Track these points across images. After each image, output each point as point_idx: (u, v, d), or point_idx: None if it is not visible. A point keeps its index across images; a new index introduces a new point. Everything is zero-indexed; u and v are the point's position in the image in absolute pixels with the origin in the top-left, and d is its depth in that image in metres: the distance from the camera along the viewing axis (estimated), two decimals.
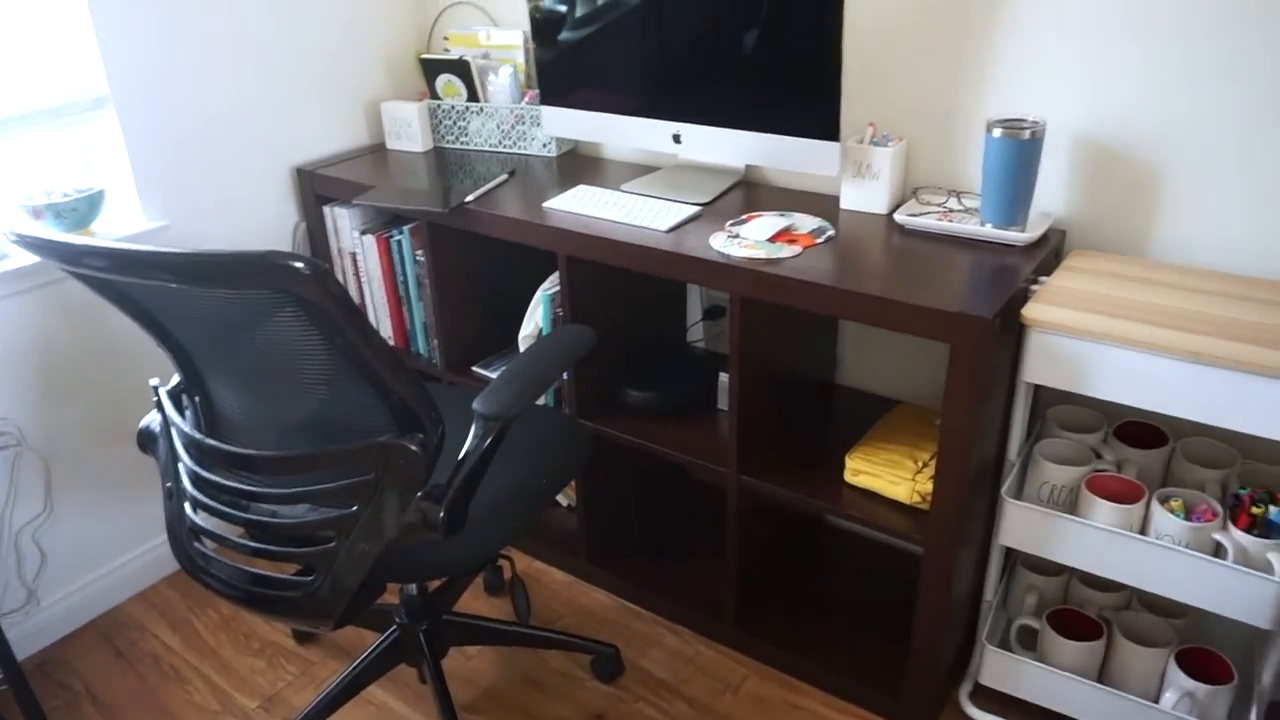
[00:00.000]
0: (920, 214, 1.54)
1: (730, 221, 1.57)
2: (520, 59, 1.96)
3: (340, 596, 1.20)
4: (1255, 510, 1.25)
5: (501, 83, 1.96)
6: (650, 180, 1.78)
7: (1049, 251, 1.45)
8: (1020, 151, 1.40)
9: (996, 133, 1.40)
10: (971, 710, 1.55)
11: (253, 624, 1.89)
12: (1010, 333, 1.32)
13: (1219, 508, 1.30)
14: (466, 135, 2.05)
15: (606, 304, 1.72)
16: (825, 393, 1.82)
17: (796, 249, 1.46)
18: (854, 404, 1.78)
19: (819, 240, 1.49)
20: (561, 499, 2.08)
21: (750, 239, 1.49)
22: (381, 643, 1.62)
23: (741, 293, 1.44)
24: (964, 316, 1.25)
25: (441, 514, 1.17)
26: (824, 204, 1.65)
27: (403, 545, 1.18)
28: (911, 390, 1.76)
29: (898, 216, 1.53)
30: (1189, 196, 1.41)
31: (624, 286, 1.75)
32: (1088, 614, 1.52)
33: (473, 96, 2.00)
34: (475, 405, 1.20)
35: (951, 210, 1.55)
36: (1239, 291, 1.31)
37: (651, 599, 1.87)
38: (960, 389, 1.29)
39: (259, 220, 1.99)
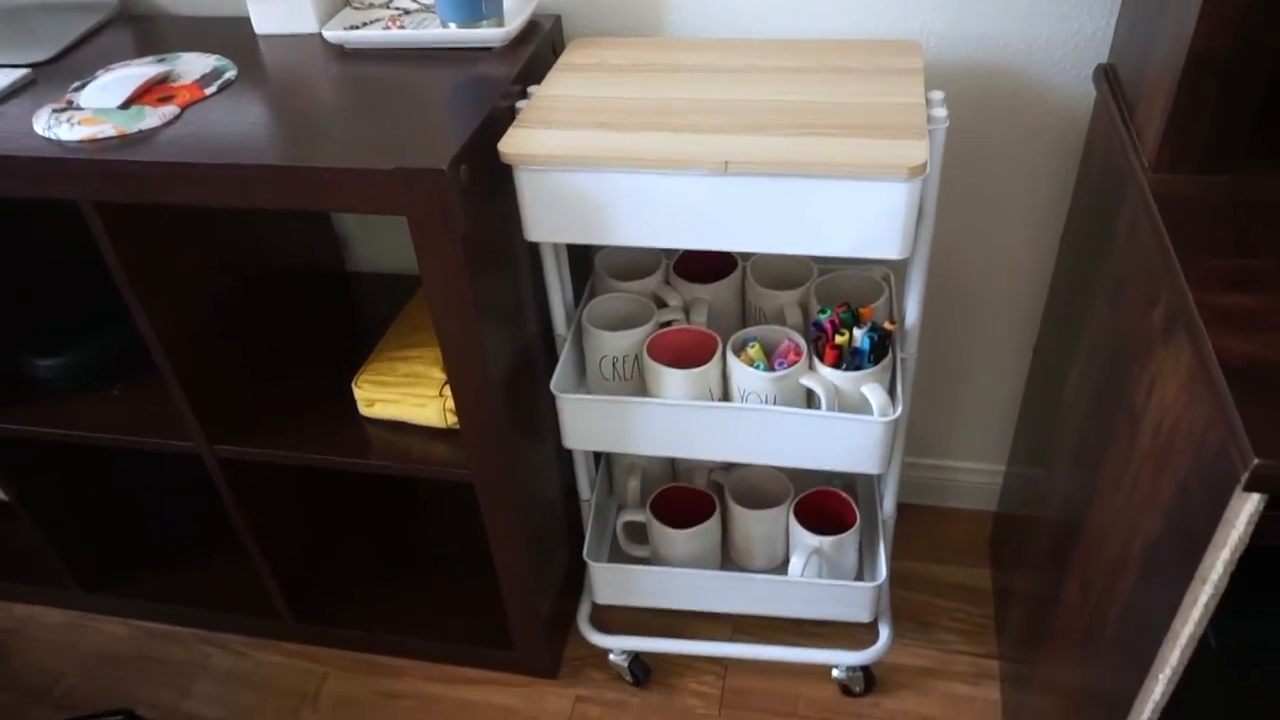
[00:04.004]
0: (360, 25, 1.06)
1: (74, 85, 1.00)
2: None
3: None
4: (840, 339, 0.99)
5: None
6: None
7: (541, 47, 1.04)
8: None
9: None
10: (594, 636, 1.27)
11: None
12: (496, 174, 0.91)
13: (802, 343, 1.03)
14: None
15: None
16: (334, 291, 1.36)
17: (169, 111, 0.94)
18: (375, 296, 1.34)
19: (211, 90, 0.98)
20: None
21: (91, 109, 0.94)
22: None
23: (94, 198, 0.91)
24: (405, 175, 0.82)
25: None
26: (238, 33, 1.12)
27: None
28: None
29: (328, 33, 1.05)
30: None
31: None
32: (697, 486, 1.25)
33: None
34: None
35: (404, 12, 1.09)
36: (769, 61, 0.99)
37: (186, 612, 1.39)
38: (440, 279, 0.89)
39: None
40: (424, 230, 0.85)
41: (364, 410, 1.12)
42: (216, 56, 1.05)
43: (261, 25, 1.10)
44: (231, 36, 1.11)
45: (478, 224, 0.90)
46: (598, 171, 0.86)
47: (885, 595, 1.25)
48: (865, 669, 1.23)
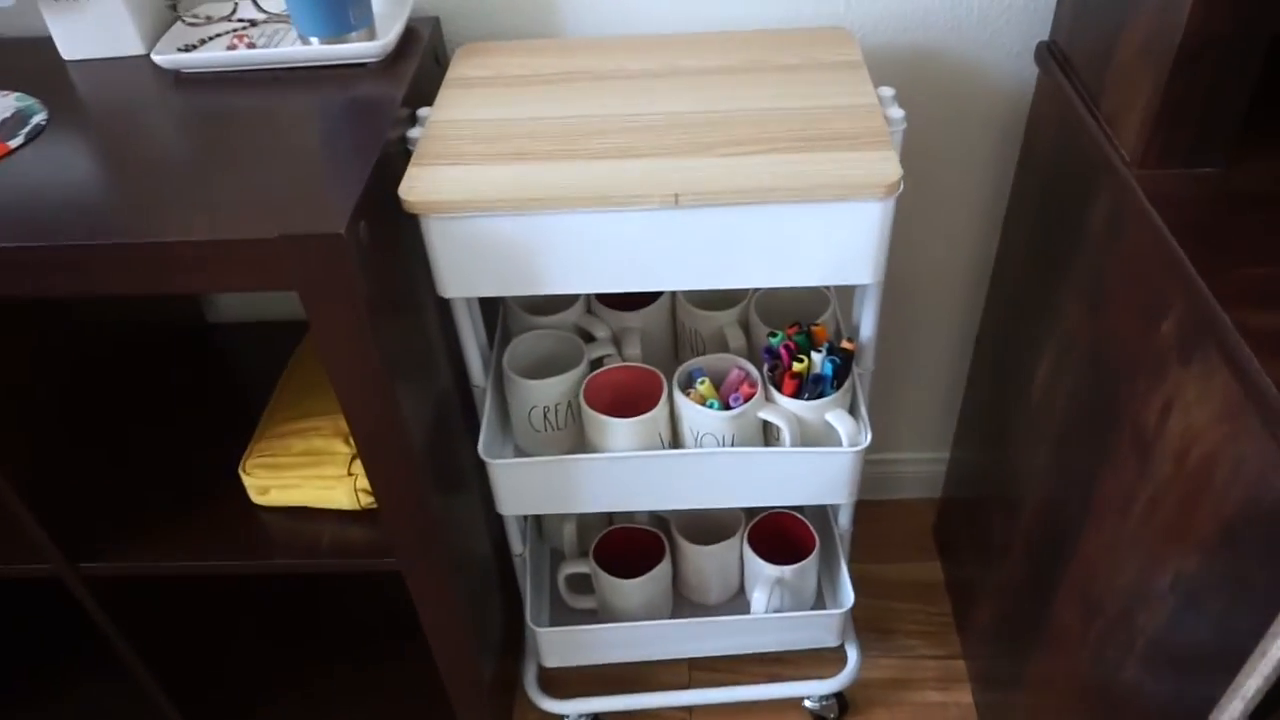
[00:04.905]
0: (196, 44, 0.88)
1: None
2: None
3: None
4: (799, 367, 0.89)
5: None
6: None
7: (424, 57, 0.89)
8: None
9: None
10: (545, 703, 1.15)
11: None
12: (396, 220, 0.77)
13: (753, 371, 0.93)
14: None
15: None
16: (197, 350, 1.17)
17: None
18: (248, 351, 1.16)
19: (15, 141, 0.79)
20: None
21: None
22: None
23: None
24: (294, 243, 0.67)
25: None
26: (40, 60, 0.92)
27: None
28: None
29: (159, 57, 0.86)
30: None
31: None
32: (640, 525, 1.15)
33: None
34: None
35: (249, 23, 0.91)
36: (691, 61, 0.87)
37: None
38: (341, 350, 0.74)
39: None
40: (319, 301, 0.70)
41: (256, 499, 0.95)
42: (17, 95, 0.85)
43: (70, 49, 0.90)
44: (31, 65, 0.91)
45: (379, 280, 0.75)
46: (522, 215, 0.73)
47: (849, 615, 1.19)
48: (838, 694, 1.17)
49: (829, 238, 0.73)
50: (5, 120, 0.81)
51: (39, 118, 0.82)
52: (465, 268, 0.76)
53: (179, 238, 0.67)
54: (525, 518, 1.14)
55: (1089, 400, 0.82)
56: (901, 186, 0.72)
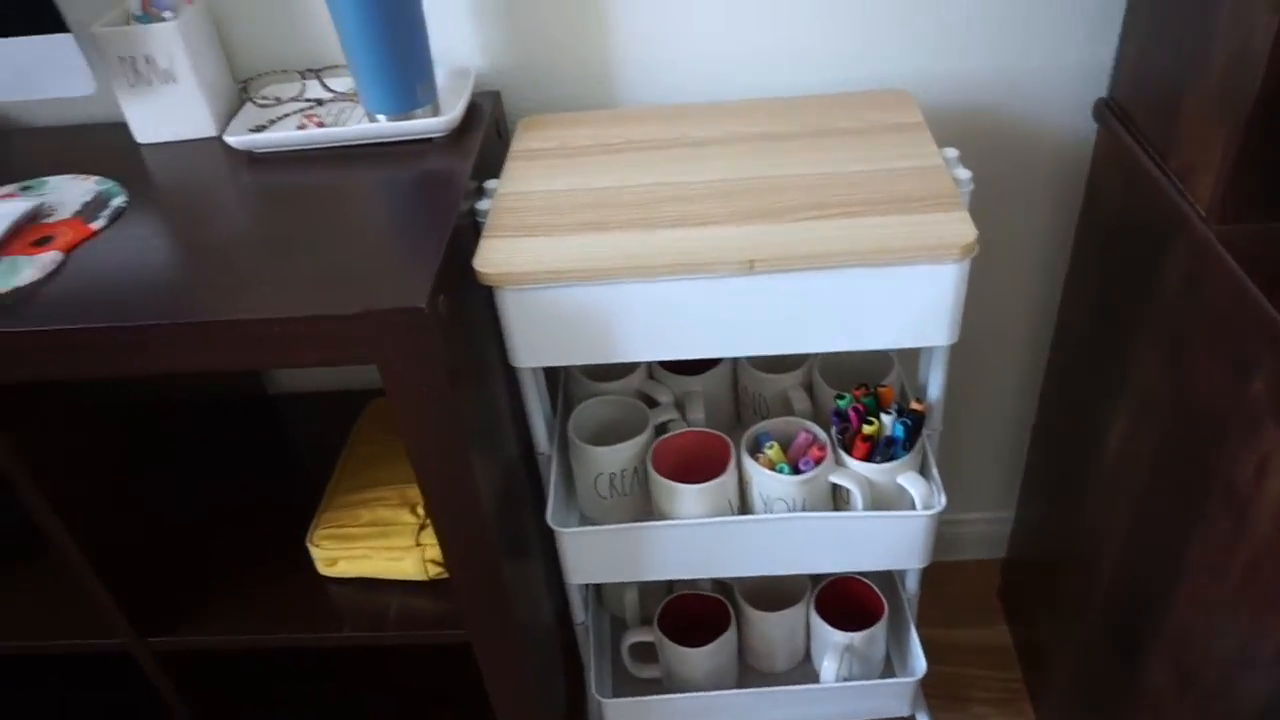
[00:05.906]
0: (267, 124, 0.91)
1: None
2: None
3: None
4: (869, 429, 0.88)
5: None
6: None
7: (487, 131, 0.91)
8: None
9: None
10: None
11: None
12: (471, 292, 0.78)
13: (821, 435, 0.92)
14: None
15: None
16: (257, 422, 1.18)
17: (51, 259, 0.76)
18: (308, 423, 1.17)
19: (99, 224, 0.81)
20: None
21: None
22: None
23: None
24: (375, 318, 0.67)
25: None
26: (115, 144, 0.94)
27: None
28: None
29: (232, 139, 0.88)
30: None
31: None
32: (703, 591, 1.13)
33: None
34: None
35: (316, 103, 0.94)
36: (752, 128, 0.88)
37: None
38: (422, 423, 0.74)
39: None
40: (401, 376, 0.71)
41: (324, 570, 0.95)
42: (96, 178, 0.87)
43: (144, 133, 0.93)
44: (107, 150, 0.93)
45: (456, 352, 0.75)
46: (596, 285, 0.73)
47: (920, 683, 1.15)
48: None
49: (904, 301, 0.73)
50: (88, 203, 0.83)
51: (119, 200, 0.84)
52: (538, 338, 0.77)
53: (259, 315, 0.68)
54: (586, 585, 1.12)
55: (1174, 457, 0.80)
56: (977, 248, 0.71)
